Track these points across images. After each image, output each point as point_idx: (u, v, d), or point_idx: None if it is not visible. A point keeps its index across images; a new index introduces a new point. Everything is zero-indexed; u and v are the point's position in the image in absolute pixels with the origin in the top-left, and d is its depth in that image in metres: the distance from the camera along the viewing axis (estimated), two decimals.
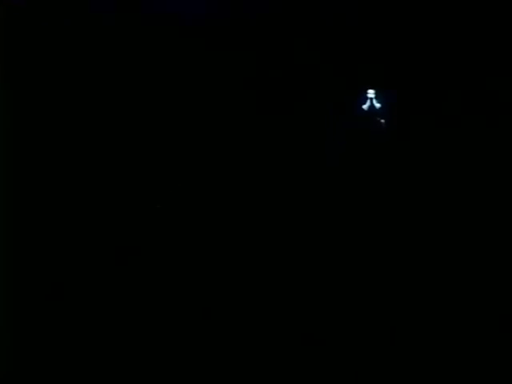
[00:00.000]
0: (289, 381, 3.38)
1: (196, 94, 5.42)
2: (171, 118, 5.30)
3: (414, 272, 4.17)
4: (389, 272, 4.18)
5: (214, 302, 3.93)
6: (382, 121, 5.52)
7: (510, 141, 5.09)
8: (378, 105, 5.54)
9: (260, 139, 5.24)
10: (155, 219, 4.62)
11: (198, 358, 3.48)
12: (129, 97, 5.29)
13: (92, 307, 3.88)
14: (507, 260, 4.18)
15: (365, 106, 5.57)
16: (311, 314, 3.84)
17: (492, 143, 5.11)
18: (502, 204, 4.68)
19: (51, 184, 4.69)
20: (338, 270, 4.22)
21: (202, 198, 4.83)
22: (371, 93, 5.55)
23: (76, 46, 5.30)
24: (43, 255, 4.26)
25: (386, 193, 4.94)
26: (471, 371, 3.33)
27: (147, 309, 3.87)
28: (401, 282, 4.07)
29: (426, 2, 5.56)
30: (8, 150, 4.49)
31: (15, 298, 3.87)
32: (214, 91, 5.45)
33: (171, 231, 4.53)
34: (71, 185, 4.73)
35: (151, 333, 3.66)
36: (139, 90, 5.33)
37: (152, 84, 5.39)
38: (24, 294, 3.94)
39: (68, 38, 5.28)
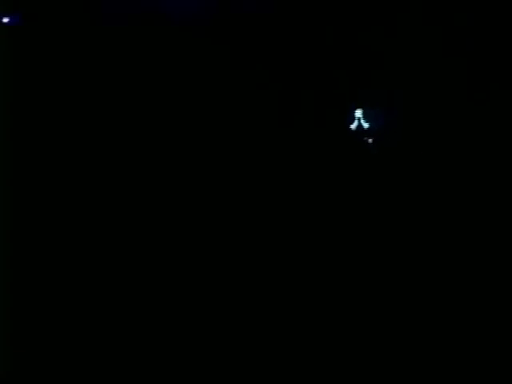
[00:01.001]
0: (289, 381, 3.45)
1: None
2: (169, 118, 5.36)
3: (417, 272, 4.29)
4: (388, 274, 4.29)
5: (213, 302, 4.00)
6: (370, 140, 5.69)
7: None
8: (365, 125, 5.70)
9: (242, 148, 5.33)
10: (154, 219, 4.70)
11: (197, 357, 3.55)
12: (126, 96, 5.34)
13: (91, 307, 3.93)
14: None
15: (353, 126, 5.73)
16: (311, 314, 3.93)
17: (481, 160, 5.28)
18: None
19: (51, 184, 4.72)
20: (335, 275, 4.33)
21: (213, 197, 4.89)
22: (359, 112, 5.70)
23: (74, 48, 5.35)
24: (43, 255, 4.30)
25: (374, 212, 5.06)
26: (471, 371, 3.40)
27: (147, 309, 3.93)
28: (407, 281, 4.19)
29: (412, 26, 5.73)
30: (8, 150, 4.53)
31: (15, 298, 3.90)
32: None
33: (171, 231, 4.63)
34: (71, 184, 4.76)
35: (151, 333, 3.73)
36: (137, 90, 5.39)
37: (149, 84, 5.45)
38: (23, 294, 3.99)
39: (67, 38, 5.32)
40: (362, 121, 5.71)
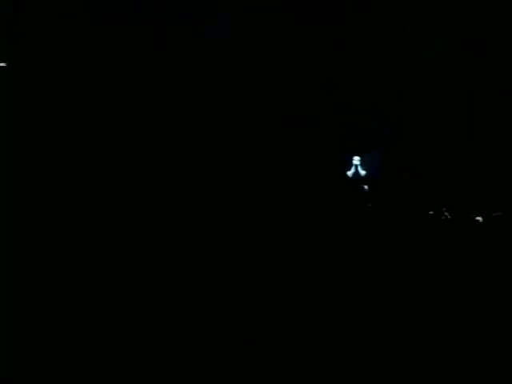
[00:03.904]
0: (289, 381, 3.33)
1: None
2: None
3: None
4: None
5: (213, 303, 3.90)
6: (366, 187, 5.78)
7: None
8: (362, 172, 5.81)
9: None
10: (154, 219, 4.61)
11: (197, 358, 3.41)
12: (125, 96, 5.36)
13: (91, 307, 3.78)
14: None
15: (349, 173, 5.82)
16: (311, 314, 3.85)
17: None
18: None
19: (51, 184, 4.66)
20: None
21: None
22: (356, 159, 5.82)
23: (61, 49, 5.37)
24: (43, 255, 4.21)
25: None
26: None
27: (147, 309, 3.80)
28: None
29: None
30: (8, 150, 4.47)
31: (15, 298, 3.72)
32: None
33: (171, 232, 4.54)
34: (71, 184, 4.72)
35: (151, 333, 3.58)
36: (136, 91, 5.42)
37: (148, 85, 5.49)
38: (23, 294, 3.81)
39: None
40: (359, 168, 5.82)
